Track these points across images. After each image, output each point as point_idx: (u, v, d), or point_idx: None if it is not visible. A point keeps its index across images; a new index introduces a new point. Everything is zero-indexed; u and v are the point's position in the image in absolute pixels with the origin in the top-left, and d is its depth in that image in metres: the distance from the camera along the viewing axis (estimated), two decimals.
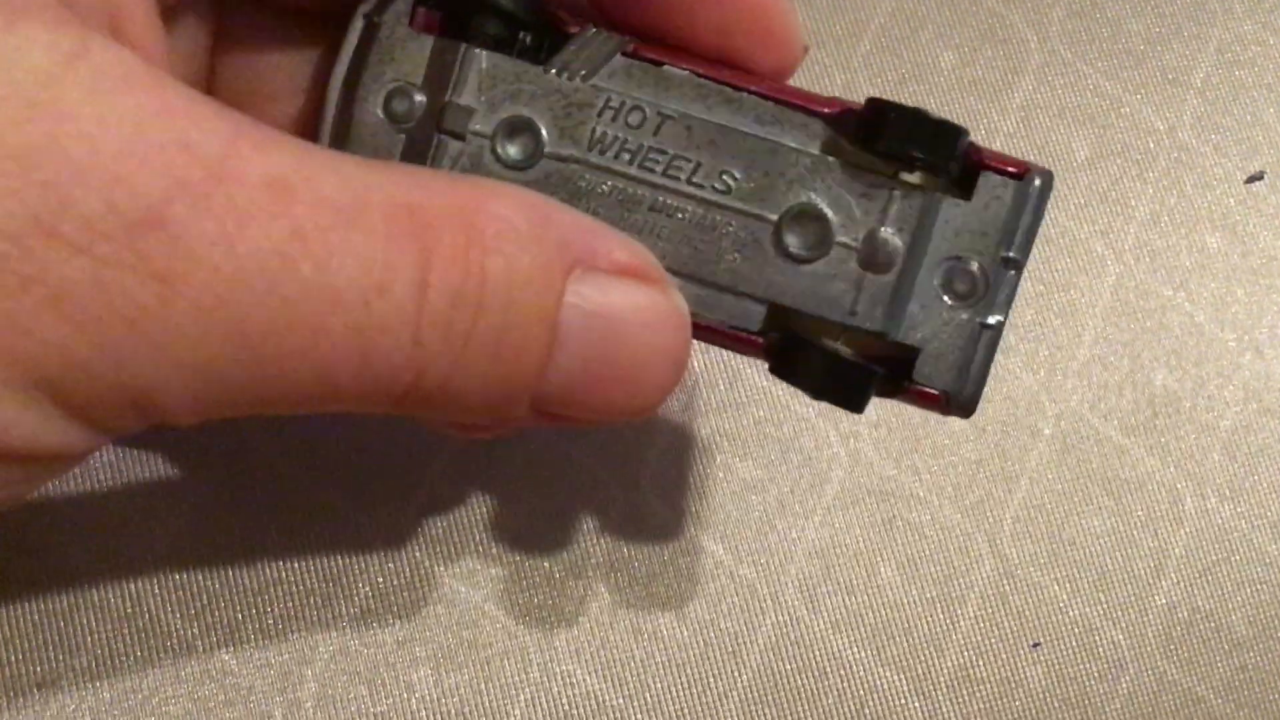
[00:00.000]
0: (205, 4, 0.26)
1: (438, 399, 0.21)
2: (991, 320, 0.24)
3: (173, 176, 0.18)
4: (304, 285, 0.19)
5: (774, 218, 0.24)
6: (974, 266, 0.24)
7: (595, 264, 0.22)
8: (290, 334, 0.19)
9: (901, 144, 0.23)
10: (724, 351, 0.36)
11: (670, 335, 0.23)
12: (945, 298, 0.24)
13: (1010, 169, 0.24)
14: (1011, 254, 0.24)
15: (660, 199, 0.24)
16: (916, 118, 0.23)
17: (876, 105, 0.23)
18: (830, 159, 0.24)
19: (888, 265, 0.24)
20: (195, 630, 0.32)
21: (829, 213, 0.24)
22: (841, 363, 0.24)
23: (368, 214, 0.20)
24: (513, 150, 0.24)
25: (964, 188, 0.24)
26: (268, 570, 0.33)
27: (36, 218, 0.18)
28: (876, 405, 0.26)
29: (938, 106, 0.40)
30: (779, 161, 0.24)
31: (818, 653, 0.35)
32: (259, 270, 0.19)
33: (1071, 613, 0.36)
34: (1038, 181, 0.24)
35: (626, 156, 0.24)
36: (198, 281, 0.18)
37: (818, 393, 0.24)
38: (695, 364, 0.36)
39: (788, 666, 0.34)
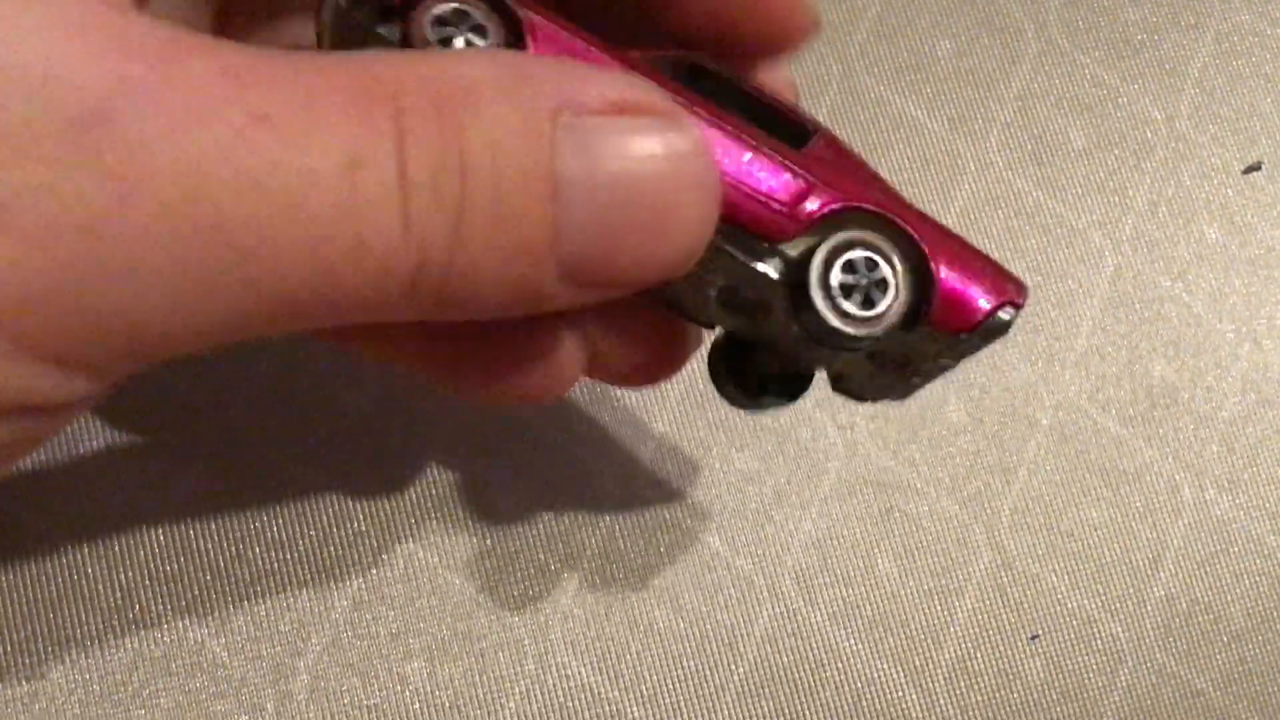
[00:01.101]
0: None
1: (453, 286, 0.19)
2: (915, 380, 0.25)
3: (113, 73, 0.17)
4: (275, 165, 0.17)
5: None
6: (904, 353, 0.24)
7: (585, 105, 0.19)
8: (271, 223, 0.17)
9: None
10: None
11: (690, 164, 0.20)
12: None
13: (956, 325, 0.23)
14: (946, 361, 0.24)
15: None
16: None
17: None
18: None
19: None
20: (186, 622, 0.32)
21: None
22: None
23: (332, 94, 0.18)
24: None
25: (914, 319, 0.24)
26: (259, 562, 0.32)
27: None
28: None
29: (934, 96, 0.39)
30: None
31: (815, 645, 0.34)
32: (223, 157, 0.17)
33: (1069, 604, 0.36)
34: (984, 331, 0.24)
35: None
36: (158, 175, 0.17)
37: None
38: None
39: (785, 659, 0.34)
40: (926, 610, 0.35)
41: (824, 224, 0.22)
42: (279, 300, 0.18)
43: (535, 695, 0.33)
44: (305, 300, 0.18)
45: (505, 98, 0.19)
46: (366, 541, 0.33)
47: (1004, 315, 0.23)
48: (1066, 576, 0.36)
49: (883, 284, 0.23)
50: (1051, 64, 0.40)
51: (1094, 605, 0.36)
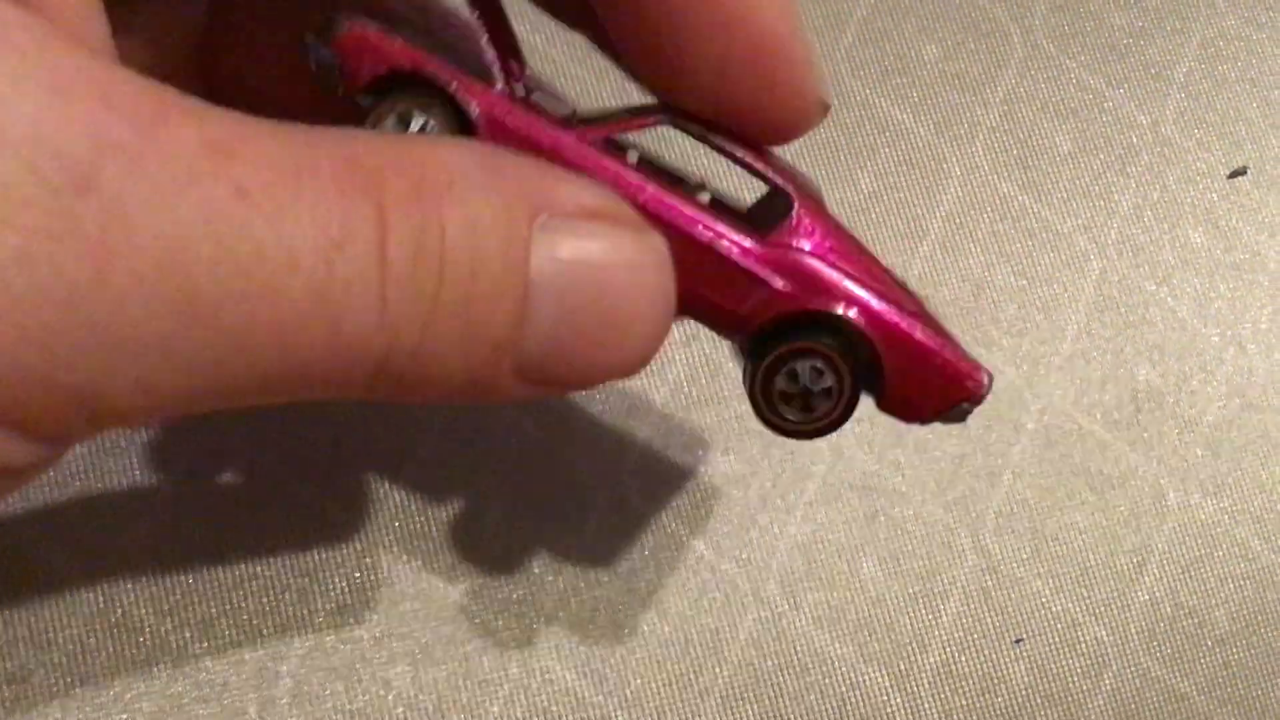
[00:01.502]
0: None
1: (413, 373, 0.19)
2: None
3: (100, 137, 0.16)
4: (256, 246, 0.17)
5: None
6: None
7: (562, 208, 0.20)
8: (247, 302, 0.17)
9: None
10: (706, 346, 0.36)
11: (652, 276, 0.21)
12: None
13: (909, 416, 0.24)
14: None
15: None
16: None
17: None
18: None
19: None
20: (169, 626, 0.32)
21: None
22: None
23: (315, 172, 0.18)
24: None
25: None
26: (242, 566, 0.32)
27: None
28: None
29: (920, 100, 0.39)
30: None
31: (800, 649, 0.34)
32: (205, 232, 0.17)
33: (1054, 608, 0.36)
34: (940, 420, 0.24)
35: None
36: (137, 249, 0.16)
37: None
38: (678, 358, 0.36)
39: (769, 663, 0.34)
40: (911, 614, 0.35)
41: (775, 329, 0.23)
42: (246, 379, 0.18)
43: (519, 700, 0.33)
44: (272, 379, 0.18)
45: (487, 193, 0.19)
46: (349, 545, 0.33)
47: (964, 406, 0.24)
48: (1051, 580, 0.36)
49: (826, 392, 0.23)
50: (1037, 68, 0.40)
51: (1079, 609, 0.36)
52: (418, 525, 0.33)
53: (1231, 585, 0.37)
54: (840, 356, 0.23)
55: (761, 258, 0.22)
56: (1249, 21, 0.42)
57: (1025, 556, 0.36)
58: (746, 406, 0.24)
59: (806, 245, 0.23)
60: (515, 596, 0.33)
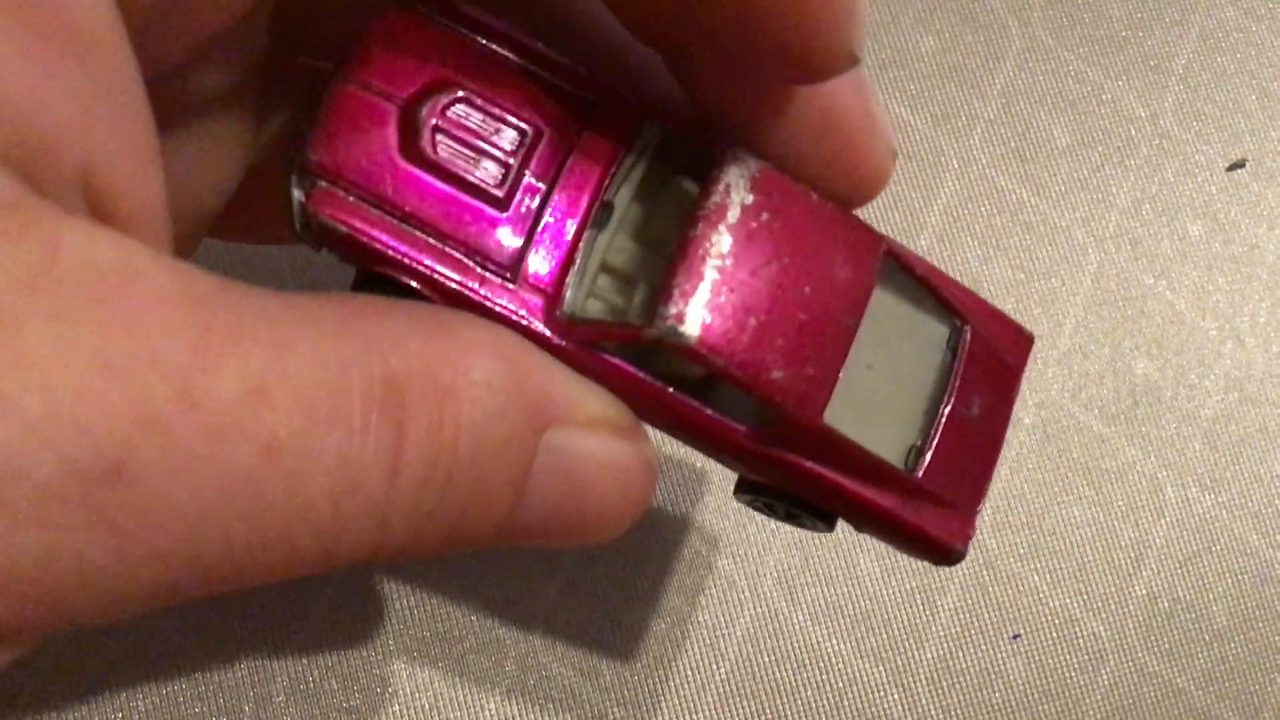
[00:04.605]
0: (248, 97, 0.25)
1: (392, 557, 0.21)
2: None
3: (139, 412, 0.16)
4: (270, 505, 0.18)
5: None
6: None
7: (569, 419, 0.21)
8: (249, 552, 0.18)
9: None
10: None
11: (637, 487, 0.22)
12: None
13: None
14: None
15: None
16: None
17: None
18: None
19: None
20: (165, 625, 0.32)
21: None
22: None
23: (347, 402, 0.18)
24: None
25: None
26: None
27: None
28: None
29: (918, 92, 0.39)
30: None
31: (796, 645, 0.34)
32: (224, 500, 0.17)
33: (1052, 603, 0.36)
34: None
35: None
36: (156, 527, 0.17)
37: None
38: None
39: (766, 659, 0.34)
40: (908, 610, 0.35)
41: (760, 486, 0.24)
42: (217, 590, 0.19)
43: (516, 697, 0.33)
44: (244, 587, 0.19)
45: (506, 409, 0.20)
46: None
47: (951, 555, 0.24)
48: (1048, 575, 0.36)
49: (798, 520, 0.24)
50: (1035, 60, 0.40)
51: (1076, 604, 0.36)
52: None
53: (1229, 580, 0.37)
54: (816, 518, 0.24)
55: (749, 455, 0.23)
56: (1248, 13, 0.42)
57: (1022, 552, 0.36)
58: None
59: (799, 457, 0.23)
60: (511, 594, 0.33)
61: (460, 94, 0.22)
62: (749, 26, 0.22)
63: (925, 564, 0.35)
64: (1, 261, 0.16)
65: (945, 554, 0.24)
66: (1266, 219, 0.40)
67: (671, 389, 0.22)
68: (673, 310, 0.21)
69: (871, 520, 0.23)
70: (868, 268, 0.24)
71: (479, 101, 0.22)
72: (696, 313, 0.21)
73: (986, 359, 0.25)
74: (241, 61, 0.24)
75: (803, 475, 0.22)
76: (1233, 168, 0.40)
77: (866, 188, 0.25)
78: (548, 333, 0.21)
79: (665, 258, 0.22)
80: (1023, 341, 0.26)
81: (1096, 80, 0.40)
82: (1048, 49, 0.40)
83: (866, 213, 0.38)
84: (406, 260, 0.21)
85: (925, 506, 0.23)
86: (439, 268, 0.21)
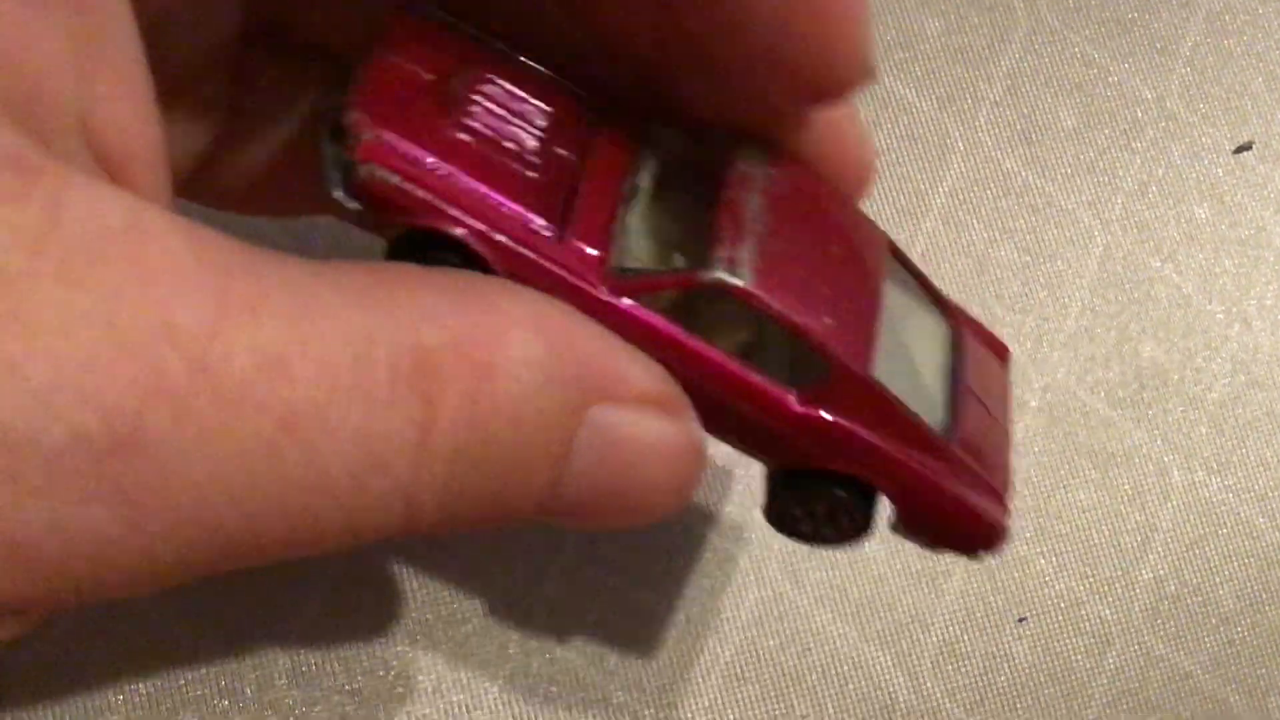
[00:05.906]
0: (220, 65, 0.24)
1: (427, 533, 0.20)
2: None
3: (150, 382, 0.16)
4: (288, 478, 0.17)
5: None
6: None
7: (615, 395, 0.20)
8: (269, 527, 0.17)
9: None
10: None
11: (684, 469, 0.21)
12: None
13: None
14: None
15: None
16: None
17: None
18: None
19: None
20: (163, 605, 0.31)
21: None
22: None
23: (371, 372, 0.18)
24: None
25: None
26: None
27: None
28: None
29: (923, 75, 0.39)
30: None
31: (801, 628, 0.34)
32: (241, 472, 0.17)
33: (1057, 587, 0.36)
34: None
35: None
36: (171, 502, 0.16)
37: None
38: None
39: (771, 642, 0.34)
40: (913, 593, 0.35)
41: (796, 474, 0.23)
42: (240, 565, 0.18)
43: (519, 680, 0.33)
44: (267, 562, 0.19)
45: (546, 386, 0.19)
46: None
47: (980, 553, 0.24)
48: (1054, 559, 0.36)
49: (836, 526, 0.24)
50: (1041, 42, 0.40)
51: (1082, 587, 0.36)
52: None
53: (1236, 563, 0.37)
54: (855, 507, 0.23)
55: (796, 420, 0.22)
56: None
57: (1029, 535, 0.36)
58: None
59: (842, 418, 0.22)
60: (514, 576, 0.33)
61: (486, 75, 0.22)
62: (749, 49, 0.21)
63: None
64: (4, 221, 0.15)
65: (988, 532, 0.23)
66: (1274, 201, 0.40)
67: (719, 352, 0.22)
68: (725, 254, 0.21)
69: (916, 494, 0.23)
70: (880, 246, 0.24)
71: (503, 83, 0.22)
72: (746, 257, 0.21)
73: (984, 358, 0.26)
74: (216, 26, 0.23)
75: (850, 443, 0.22)
76: (1240, 150, 0.40)
77: (860, 191, 0.25)
78: (599, 290, 0.21)
79: (695, 233, 0.21)
80: (1004, 353, 0.27)
81: (1103, 63, 0.40)
82: (1054, 31, 0.40)
83: (872, 195, 0.38)
84: (457, 213, 0.20)
85: (965, 481, 0.23)
86: (493, 221, 0.20)
